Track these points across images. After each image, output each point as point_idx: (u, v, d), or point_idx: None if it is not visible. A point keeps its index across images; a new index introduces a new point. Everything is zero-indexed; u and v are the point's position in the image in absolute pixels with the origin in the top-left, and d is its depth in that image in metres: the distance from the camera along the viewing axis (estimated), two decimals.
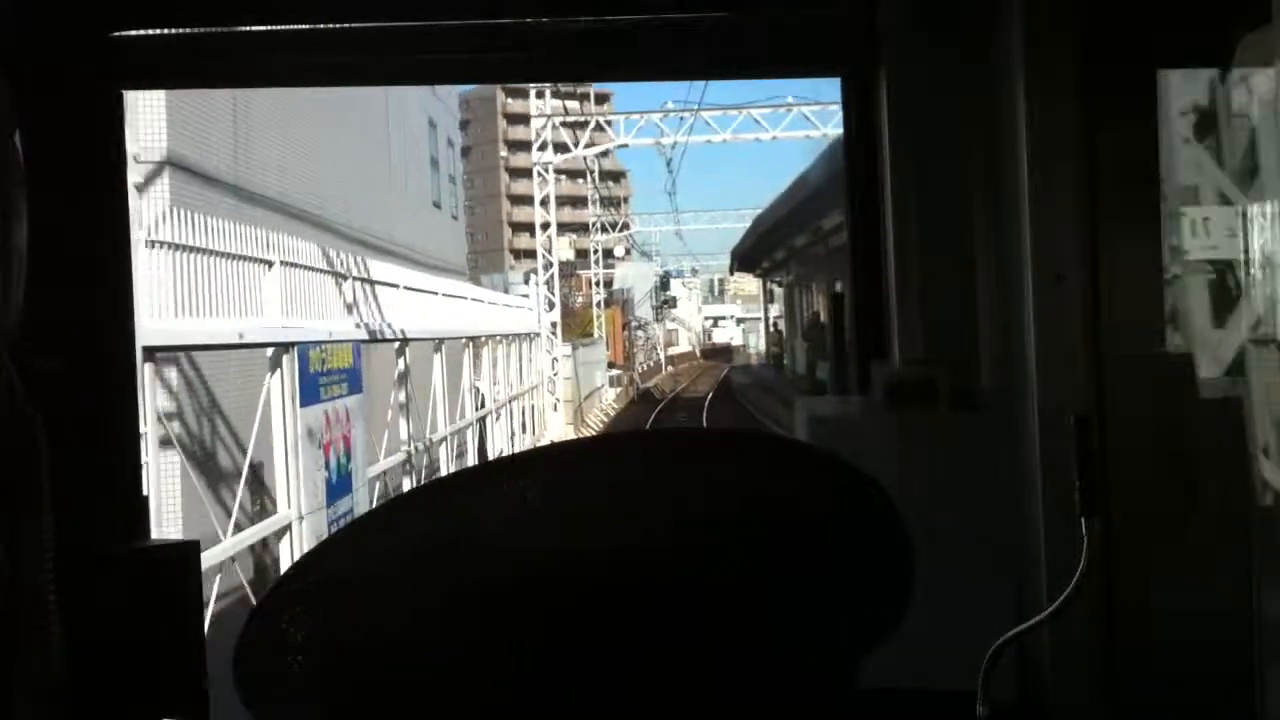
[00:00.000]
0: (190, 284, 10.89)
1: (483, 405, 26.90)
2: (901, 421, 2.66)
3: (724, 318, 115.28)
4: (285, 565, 11.75)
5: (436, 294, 22.91)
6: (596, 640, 1.63)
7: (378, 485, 15.98)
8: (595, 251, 66.36)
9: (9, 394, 1.74)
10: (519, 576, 1.62)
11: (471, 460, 22.93)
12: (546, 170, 45.01)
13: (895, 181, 2.71)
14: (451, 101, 37.93)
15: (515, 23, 2.78)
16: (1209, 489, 2.50)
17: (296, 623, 1.62)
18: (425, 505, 1.78)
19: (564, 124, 43.87)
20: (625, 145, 44.85)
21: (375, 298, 17.64)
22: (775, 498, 1.68)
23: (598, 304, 65.02)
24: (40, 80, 2.30)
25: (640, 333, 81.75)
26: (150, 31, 2.63)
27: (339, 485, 13.38)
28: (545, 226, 46.08)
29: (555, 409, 42.23)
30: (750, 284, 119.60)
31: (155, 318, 10.19)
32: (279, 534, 12.13)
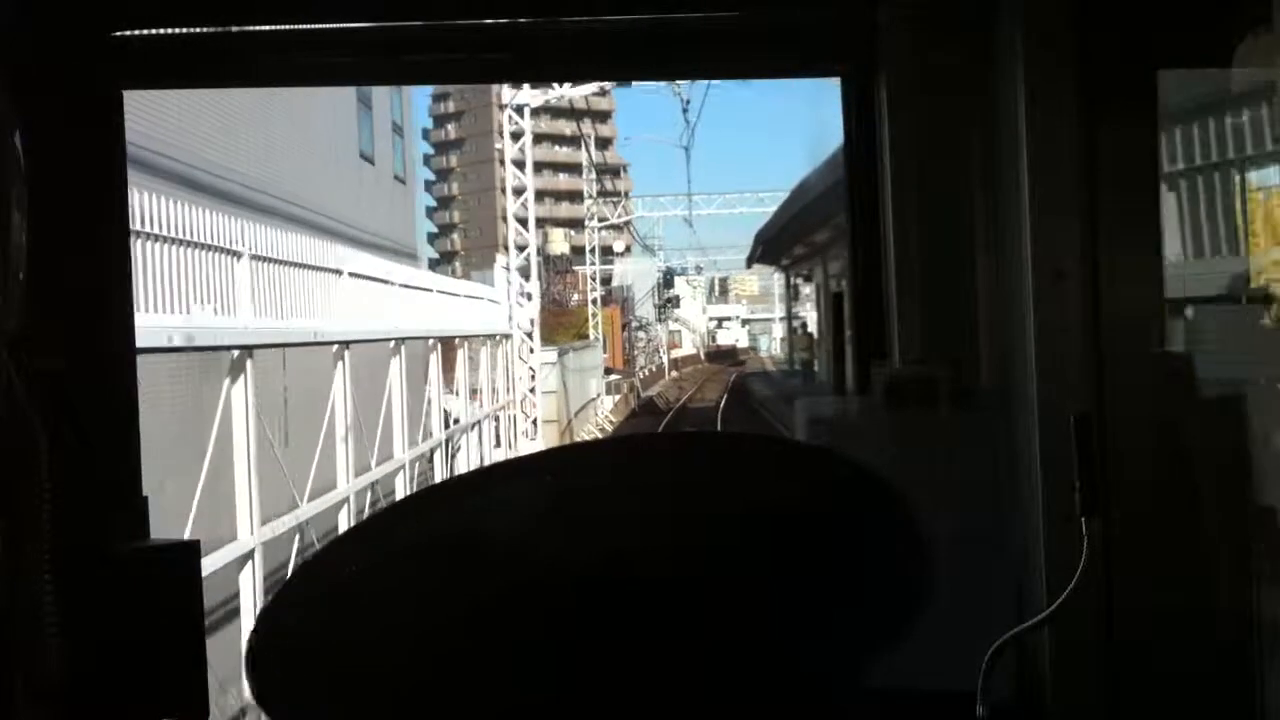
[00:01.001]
0: None
1: (420, 439, 20.58)
2: (901, 421, 2.66)
3: (729, 318, 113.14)
4: None
5: (340, 273, 16.77)
6: (601, 642, 1.63)
7: None
8: (590, 226, 60.35)
9: (9, 394, 1.74)
10: (523, 579, 1.62)
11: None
12: (521, 114, 33.19)
13: (895, 181, 2.71)
14: None
15: (515, 23, 2.78)
16: (1209, 489, 2.49)
17: (304, 626, 1.62)
18: (427, 509, 1.78)
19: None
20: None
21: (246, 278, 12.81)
22: (776, 499, 1.69)
23: (593, 301, 60.15)
24: (40, 80, 2.30)
25: (641, 334, 79.41)
26: (150, 31, 2.64)
27: None
28: (519, 192, 33.57)
29: (531, 435, 31.98)
30: (752, 284, 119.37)
31: None
32: None
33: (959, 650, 2.04)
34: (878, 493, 1.75)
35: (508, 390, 31.44)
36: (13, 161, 1.84)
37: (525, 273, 32.86)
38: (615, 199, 70.47)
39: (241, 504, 12.54)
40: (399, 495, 17.17)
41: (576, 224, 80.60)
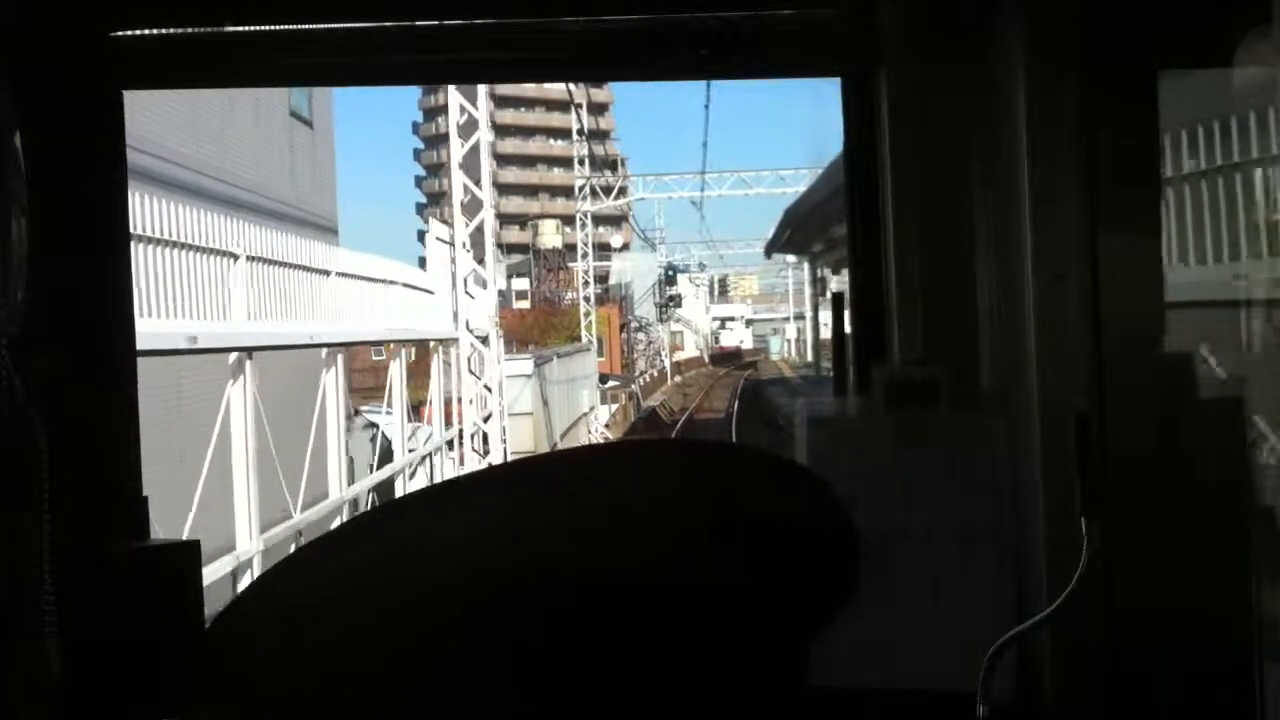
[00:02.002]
0: None
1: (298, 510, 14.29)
2: (901, 421, 2.66)
3: (733, 318, 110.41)
4: None
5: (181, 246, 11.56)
6: (565, 648, 1.64)
7: None
8: (582, 214, 54.62)
9: (9, 394, 1.75)
10: (478, 599, 1.63)
11: None
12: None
13: (895, 181, 2.71)
14: None
15: (514, 23, 2.79)
16: (1209, 489, 2.49)
17: (258, 642, 1.61)
18: (391, 521, 1.78)
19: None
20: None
21: None
22: (702, 494, 1.70)
23: (586, 299, 53.53)
24: (40, 80, 2.30)
25: (641, 335, 76.17)
26: (150, 31, 2.64)
27: None
28: (469, 131, 23.43)
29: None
30: (753, 283, 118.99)
31: None
32: None
33: (959, 650, 2.04)
34: (805, 486, 1.77)
35: (458, 418, 23.14)
36: (13, 161, 1.85)
37: (479, 252, 23.18)
38: (611, 173, 63.98)
39: None
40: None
41: (571, 221, 74.52)
